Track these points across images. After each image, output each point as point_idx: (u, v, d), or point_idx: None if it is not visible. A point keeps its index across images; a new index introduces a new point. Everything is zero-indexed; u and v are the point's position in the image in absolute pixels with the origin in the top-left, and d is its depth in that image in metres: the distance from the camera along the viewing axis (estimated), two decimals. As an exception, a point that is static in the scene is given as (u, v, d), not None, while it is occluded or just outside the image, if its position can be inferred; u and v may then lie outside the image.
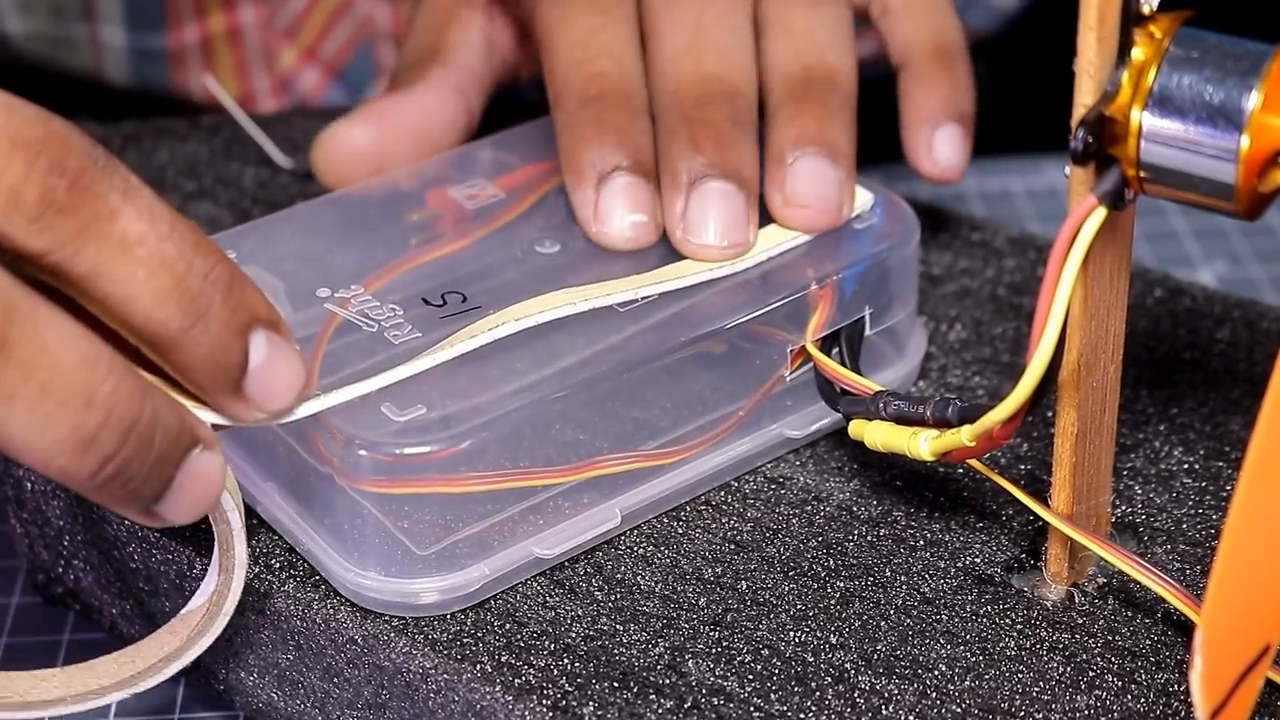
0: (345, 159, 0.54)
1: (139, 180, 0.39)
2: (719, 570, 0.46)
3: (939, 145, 0.53)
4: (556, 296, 0.46)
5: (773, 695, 0.43)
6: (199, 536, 0.47)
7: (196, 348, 0.40)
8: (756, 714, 0.42)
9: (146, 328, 0.39)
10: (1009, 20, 0.81)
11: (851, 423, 0.46)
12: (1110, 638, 0.44)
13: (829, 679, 0.43)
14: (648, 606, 0.45)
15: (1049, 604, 0.45)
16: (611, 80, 0.50)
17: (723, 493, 0.49)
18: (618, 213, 0.49)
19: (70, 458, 0.38)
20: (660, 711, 0.42)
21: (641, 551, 0.47)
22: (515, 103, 0.62)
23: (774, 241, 0.49)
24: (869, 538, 0.47)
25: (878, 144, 0.76)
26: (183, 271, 0.39)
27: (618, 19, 0.51)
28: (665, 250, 0.49)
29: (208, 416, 0.41)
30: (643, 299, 0.47)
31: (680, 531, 0.47)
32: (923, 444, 0.44)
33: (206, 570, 0.47)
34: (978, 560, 0.47)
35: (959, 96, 0.54)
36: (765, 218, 0.50)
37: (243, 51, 0.74)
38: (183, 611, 0.44)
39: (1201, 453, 0.50)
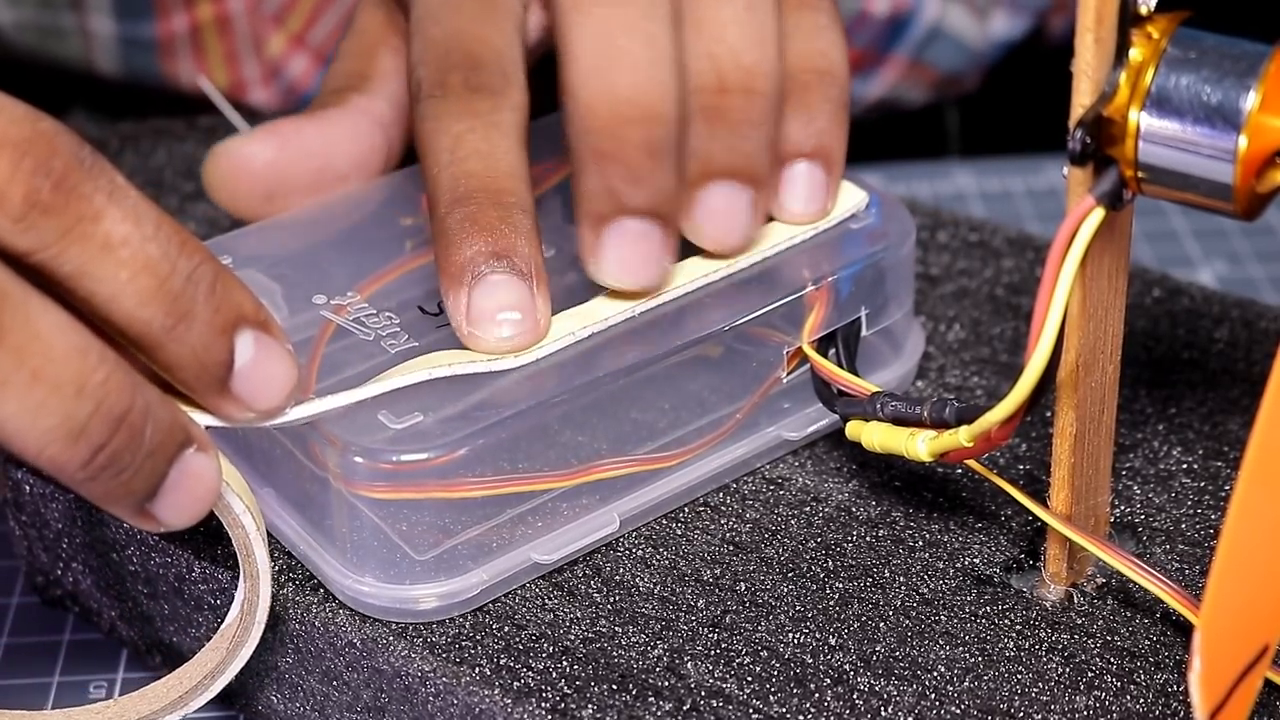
0: (237, 176, 0.52)
1: (125, 181, 0.39)
2: (718, 572, 0.46)
3: (786, 185, 0.49)
4: (559, 325, 0.46)
5: (772, 697, 0.43)
6: (197, 540, 0.47)
7: (180, 346, 0.40)
8: (755, 715, 0.42)
9: (130, 327, 0.39)
10: (981, 64, 0.81)
11: (849, 424, 0.46)
12: (1109, 638, 0.44)
13: (828, 680, 0.43)
14: (646, 608, 0.45)
15: (1048, 604, 0.45)
16: (480, 179, 0.46)
17: (721, 494, 0.49)
18: (489, 313, 0.45)
19: (61, 446, 0.38)
20: (659, 713, 0.42)
21: (640, 553, 0.47)
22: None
23: (770, 242, 0.49)
24: (868, 539, 0.47)
25: (876, 144, 0.76)
26: (166, 272, 0.39)
27: (492, 122, 0.47)
28: None
29: (201, 419, 0.41)
30: (640, 313, 0.47)
31: (679, 533, 0.47)
32: (920, 445, 0.44)
33: (205, 572, 0.47)
34: (976, 561, 0.47)
35: (819, 131, 0.49)
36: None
37: (232, 39, 0.74)
38: (221, 627, 0.45)
39: (1200, 453, 0.50)
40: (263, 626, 0.44)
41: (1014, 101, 0.83)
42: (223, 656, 0.44)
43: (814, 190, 0.49)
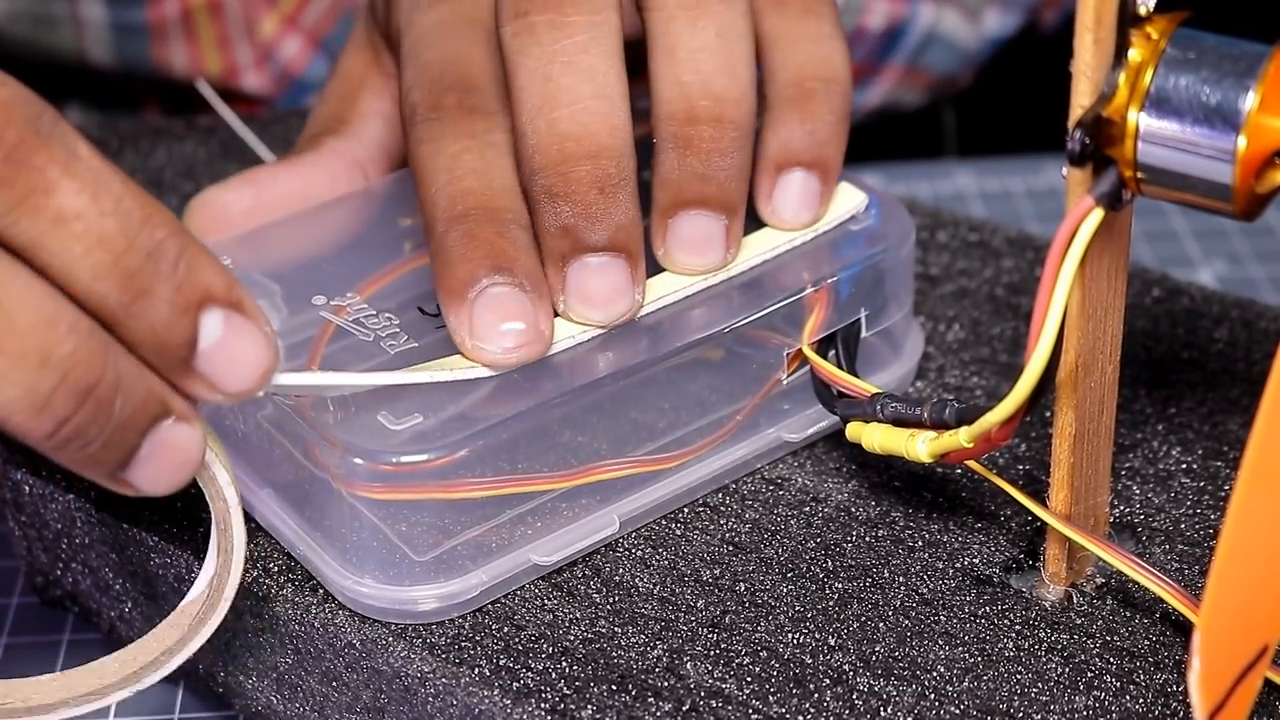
0: (216, 225, 0.52)
1: (90, 150, 0.38)
2: (717, 572, 0.46)
3: (778, 192, 0.49)
4: (558, 327, 0.46)
5: (771, 697, 0.43)
6: (197, 540, 0.47)
7: (138, 323, 0.39)
8: (755, 716, 0.42)
9: (88, 301, 0.38)
10: (976, 64, 0.81)
11: (849, 425, 0.46)
12: (1109, 638, 0.44)
13: (827, 680, 0.43)
14: (646, 609, 0.45)
15: (1047, 604, 0.45)
16: (477, 196, 0.46)
17: (721, 494, 0.49)
18: (492, 326, 0.45)
19: (25, 416, 0.38)
20: (659, 714, 0.42)
21: (639, 553, 0.47)
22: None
23: (768, 245, 0.49)
24: (867, 539, 0.47)
25: (876, 144, 0.76)
26: (122, 248, 0.38)
27: (486, 142, 0.48)
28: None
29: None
30: (640, 315, 0.47)
31: (678, 533, 0.47)
32: (920, 446, 0.44)
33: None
34: (976, 561, 0.47)
35: (813, 137, 0.49)
36: (759, 222, 0.50)
37: (224, 23, 0.74)
38: (182, 604, 0.44)
39: (1200, 452, 0.50)
40: (229, 604, 0.43)
41: (1009, 96, 0.83)
42: (183, 633, 0.44)
43: (807, 199, 0.49)
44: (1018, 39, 0.81)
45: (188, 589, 0.47)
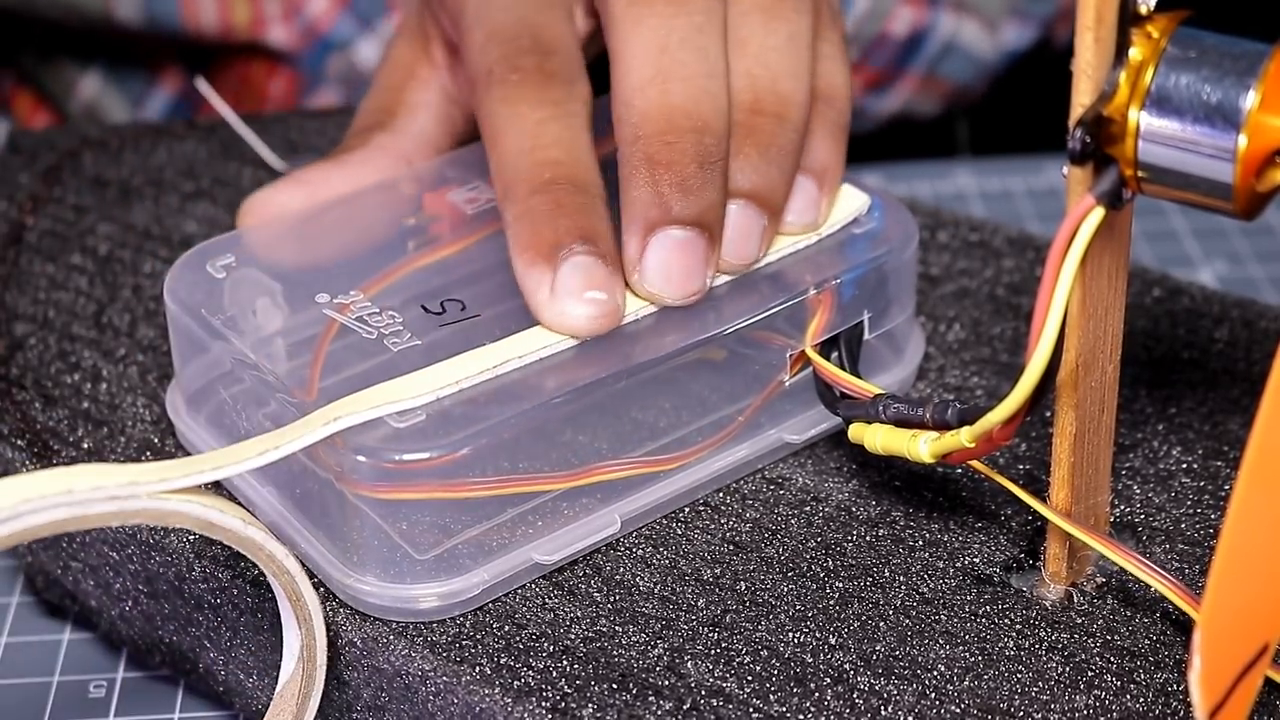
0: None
1: None
2: (718, 571, 0.46)
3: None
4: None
5: (772, 696, 0.43)
6: (197, 540, 0.47)
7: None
8: (756, 715, 0.42)
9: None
10: (990, 74, 0.81)
11: (851, 426, 0.46)
12: (1109, 637, 0.44)
13: (828, 679, 0.43)
14: (647, 608, 0.45)
15: (1048, 604, 0.45)
16: (564, 168, 0.47)
17: (721, 494, 0.49)
18: (576, 291, 0.46)
19: None
20: (659, 713, 0.42)
21: (640, 553, 0.47)
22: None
23: (773, 246, 0.49)
24: (868, 538, 0.47)
25: (878, 145, 0.76)
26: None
27: (569, 111, 0.48)
28: None
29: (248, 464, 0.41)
30: (643, 315, 0.47)
31: (679, 532, 0.47)
32: (922, 446, 0.44)
33: (205, 571, 0.47)
34: (976, 560, 0.47)
35: (820, 151, 0.50)
36: None
37: None
38: (279, 688, 0.45)
39: (1200, 452, 0.50)
40: (325, 670, 0.44)
41: (1022, 108, 0.83)
42: (293, 714, 0.44)
43: (807, 205, 0.50)
44: (1032, 52, 0.82)
45: (188, 588, 0.47)
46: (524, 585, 0.46)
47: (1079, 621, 0.45)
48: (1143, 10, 0.39)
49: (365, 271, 0.49)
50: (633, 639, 0.44)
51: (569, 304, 0.46)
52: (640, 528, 0.47)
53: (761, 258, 0.48)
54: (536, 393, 0.45)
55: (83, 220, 0.59)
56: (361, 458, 0.43)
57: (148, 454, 0.50)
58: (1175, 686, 0.43)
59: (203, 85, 0.63)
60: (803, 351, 0.49)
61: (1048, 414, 0.46)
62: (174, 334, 0.49)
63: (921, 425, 0.44)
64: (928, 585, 0.46)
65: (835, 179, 0.50)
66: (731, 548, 0.47)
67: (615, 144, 0.48)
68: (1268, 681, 0.42)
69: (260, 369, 0.46)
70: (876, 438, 0.45)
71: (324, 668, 0.44)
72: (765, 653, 0.44)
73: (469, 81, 0.50)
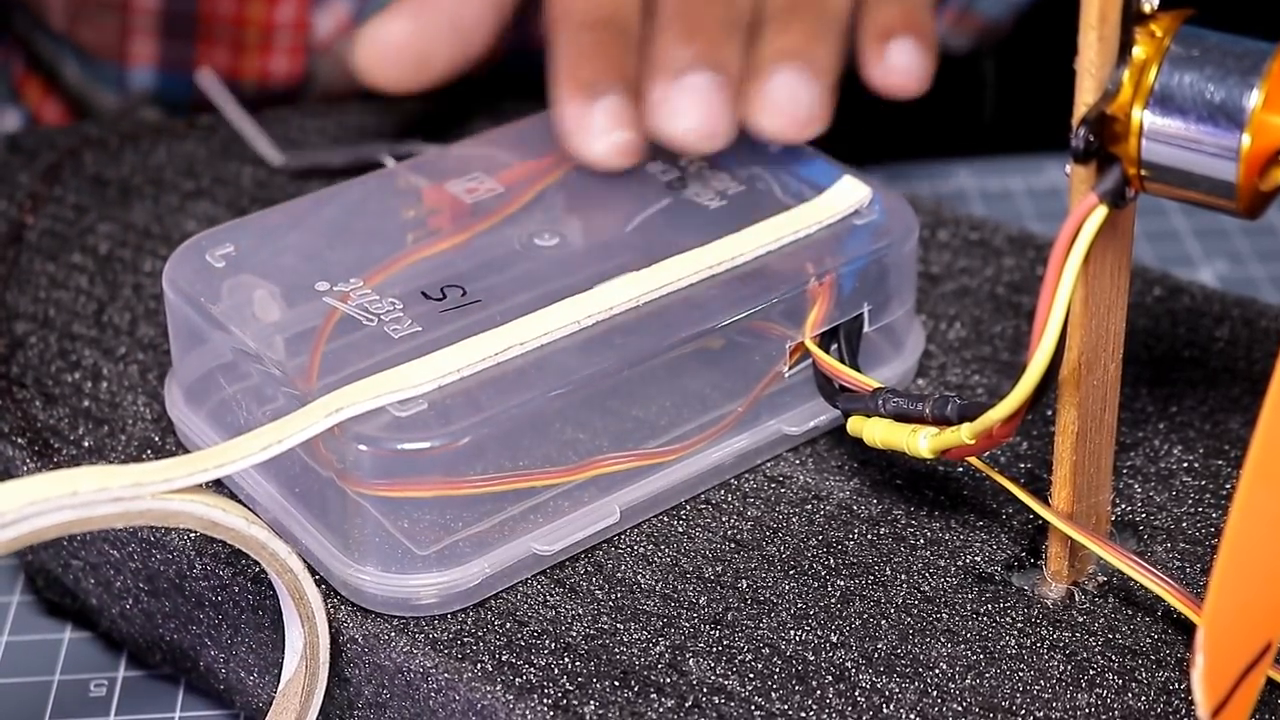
0: (386, 54, 0.55)
1: None
2: (719, 569, 0.46)
3: (891, 53, 0.53)
4: (563, 311, 0.46)
5: (773, 694, 0.43)
6: (198, 537, 0.47)
7: None
8: (757, 712, 0.42)
9: None
10: (1017, 9, 0.81)
11: (850, 419, 0.46)
12: (1111, 636, 0.44)
13: (830, 677, 0.43)
14: (648, 605, 0.45)
15: (1049, 602, 0.45)
16: (610, 8, 0.51)
17: (722, 491, 0.49)
18: (604, 128, 0.50)
19: None
20: (661, 710, 0.42)
21: (642, 550, 0.47)
22: (517, 96, 0.62)
23: (772, 236, 0.49)
24: (869, 536, 0.47)
25: (878, 144, 0.76)
26: None
27: None
28: (665, 242, 0.49)
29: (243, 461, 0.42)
30: (644, 303, 0.47)
31: (680, 530, 0.47)
32: (922, 441, 0.44)
33: (206, 569, 0.47)
34: (978, 559, 0.47)
35: (914, 18, 0.54)
36: (763, 213, 0.50)
37: None
38: (282, 686, 0.45)
39: (1201, 451, 0.50)
40: (328, 668, 0.44)
41: (1015, 101, 0.83)
42: (296, 712, 0.44)
43: (916, 61, 0.53)
44: None
45: (188, 585, 0.47)
46: (525, 583, 0.46)
47: (1080, 620, 0.45)
48: (1146, 9, 0.39)
49: (366, 261, 0.49)
50: (634, 636, 0.44)
51: (598, 139, 0.50)
52: (641, 525, 0.47)
53: (820, 128, 0.51)
54: (539, 381, 0.45)
55: (83, 219, 0.59)
56: (363, 447, 0.43)
57: (148, 452, 0.50)
58: (1177, 685, 0.43)
59: (204, 78, 0.63)
60: (802, 343, 0.49)
61: (1049, 412, 0.46)
62: (172, 324, 0.49)
63: (921, 420, 0.44)
64: (929, 583, 0.46)
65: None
66: (733, 546, 0.47)
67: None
68: (1270, 681, 0.42)
69: (260, 358, 0.46)
70: (875, 431, 0.45)
71: (327, 666, 0.44)
72: (767, 650, 0.44)
73: None
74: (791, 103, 0.51)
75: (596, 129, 0.50)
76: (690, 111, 0.50)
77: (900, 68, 0.53)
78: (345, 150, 0.60)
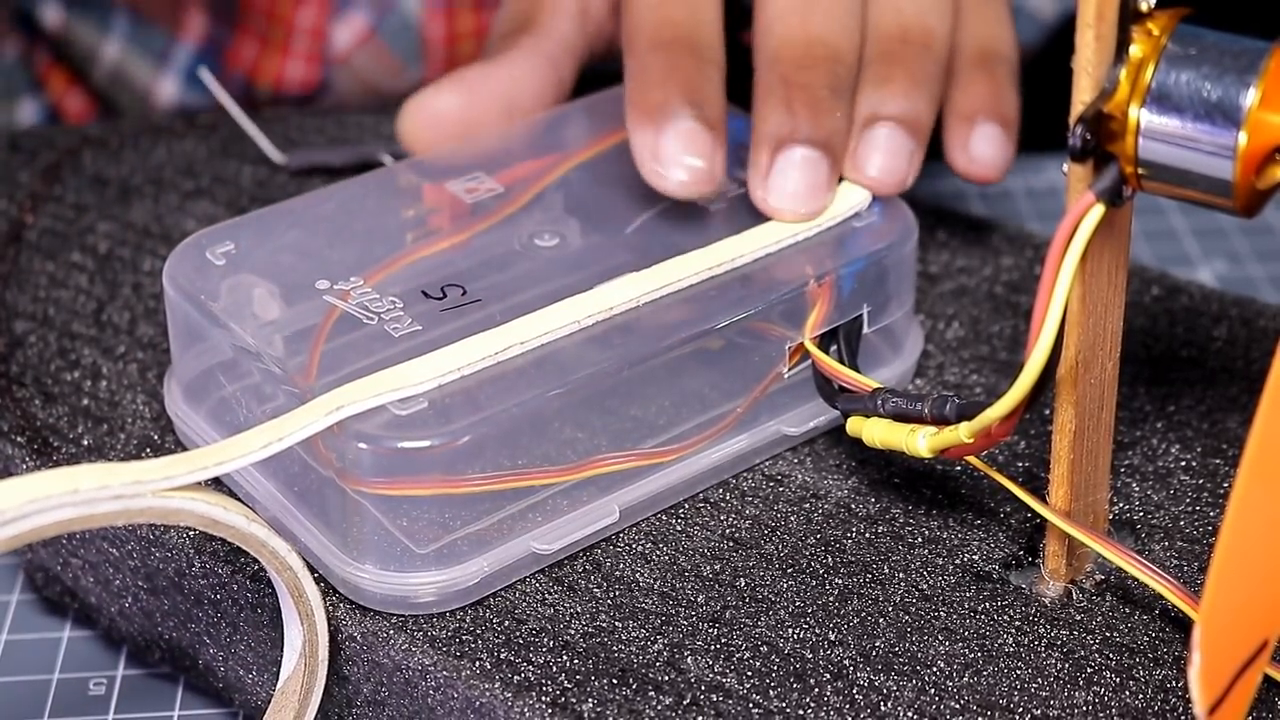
0: (432, 125, 0.54)
1: None
2: (717, 567, 0.46)
3: (975, 142, 0.53)
4: (563, 311, 0.46)
5: (772, 692, 0.43)
6: (197, 535, 0.47)
7: None
8: (755, 710, 0.42)
9: None
10: (1048, 32, 0.81)
11: (849, 420, 0.46)
12: (1108, 634, 0.44)
13: (828, 675, 0.43)
14: (646, 603, 0.45)
15: (1047, 601, 0.45)
16: (683, 28, 0.50)
17: (721, 490, 0.49)
18: (677, 156, 0.49)
19: None
20: (659, 708, 0.42)
21: (640, 548, 0.47)
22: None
23: (772, 238, 0.49)
24: (867, 535, 0.47)
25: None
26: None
27: None
28: (666, 243, 0.49)
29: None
30: (644, 303, 0.47)
31: (679, 529, 0.47)
32: (920, 441, 0.44)
33: (205, 567, 0.47)
34: (976, 557, 0.47)
35: (1000, 100, 0.54)
36: (763, 216, 0.50)
37: None
38: (280, 684, 0.44)
39: (1199, 450, 0.50)
40: (326, 666, 0.44)
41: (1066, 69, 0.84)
42: (295, 711, 0.44)
43: (999, 149, 0.53)
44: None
45: (188, 584, 0.47)
46: (524, 581, 0.46)
47: (1078, 618, 0.45)
48: (1143, 7, 0.39)
49: (366, 260, 0.49)
50: (633, 634, 0.44)
51: (668, 166, 0.49)
52: (639, 524, 0.47)
53: (911, 183, 0.51)
54: (539, 381, 0.45)
55: (83, 218, 0.59)
56: (363, 445, 0.43)
57: (148, 450, 0.50)
58: (1174, 683, 0.43)
59: (206, 76, 0.63)
60: (801, 344, 0.49)
61: (1047, 411, 0.46)
62: (172, 322, 0.49)
63: (920, 420, 0.44)
64: (927, 582, 0.46)
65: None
66: (731, 544, 0.47)
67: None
68: (1266, 678, 0.42)
69: (260, 356, 0.46)
70: (875, 431, 0.45)
71: (325, 664, 0.44)
72: (765, 648, 0.44)
73: None
74: (891, 169, 0.50)
75: (667, 157, 0.49)
76: (793, 189, 0.49)
77: (984, 160, 0.53)
78: (346, 150, 0.60)
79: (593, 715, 0.42)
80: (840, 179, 0.51)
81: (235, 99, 0.61)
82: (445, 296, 0.47)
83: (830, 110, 0.50)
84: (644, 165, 0.49)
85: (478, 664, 0.43)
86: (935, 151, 0.54)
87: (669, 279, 0.47)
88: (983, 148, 0.53)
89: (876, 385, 0.46)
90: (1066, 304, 0.39)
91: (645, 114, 0.49)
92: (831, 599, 0.45)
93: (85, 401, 0.51)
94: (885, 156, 0.50)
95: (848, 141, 0.50)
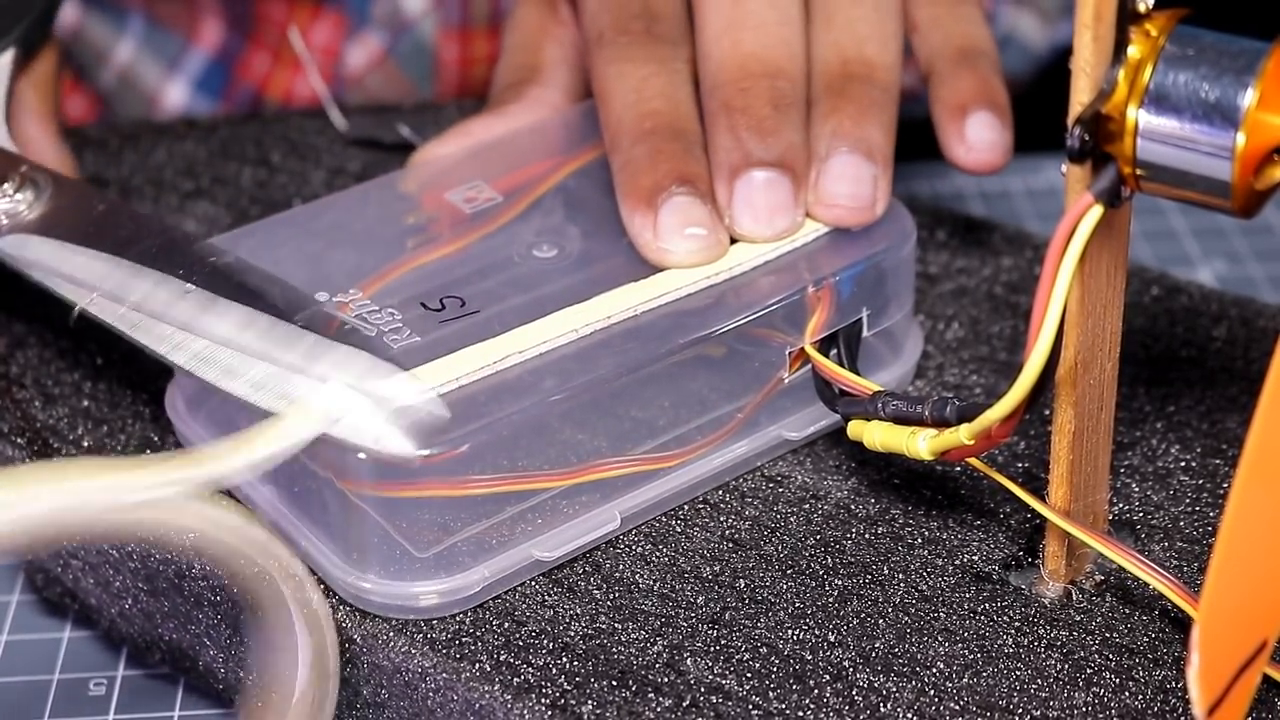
0: None
1: None
2: (717, 568, 0.46)
3: (971, 129, 0.53)
4: (561, 320, 0.46)
5: (771, 693, 0.43)
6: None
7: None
8: (755, 712, 0.42)
9: None
10: (1040, 66, 0.81)
11: (850, 423, 0.46)
12: (1108, 635, 0.44)
13: (827, 677, 0.43)
14: (646, 605, 0.45)
15: (1046, 601, 0.45)
16: (665, 117, 0.50)
17: (721, 491, 0.49)
18: (677, 229, 0.48)
19: None
20: (659, 709, 0.42)
21: (640, 550, 0.47)
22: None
23: (769, 244, 0.49)
24: (867, 536, 0.47)
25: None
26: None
27: (672, 69, 0.51)
28: None
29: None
30: (642, 311, 0.47)
31: (678, 530, 0.47)
32: (921, 443, 0.44)
33: (205, 568, 0.47)
34: (975, 558, 0.47)
35: (988, 88, 0.54)
36: None
37: None
38: (294, 700, 0.44)
39: (1198, 450, 0.50)
40: (338, 678, 0.44)
41: (1015, 100, 0.84)
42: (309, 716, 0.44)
43: (995, 134, 0.53)
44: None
45: (188, 585, 0.47)
46: (524, 583, 0.46)
47: (1077, 619, 0.45)
48: (1141, 8, 0.39)
49: (364, 270, 0.49)
50: (632, 636, 0.44)
51: (671, 241, 0.48)
52: (639, 525, 0.47)
53: (882, 210, 0.50)
54: (537, 389, 0.45)
55: (83, 219, 0.59)
56: (362, 454, 0.43)
57: (148, 452, 0.50)
58: (1174, 683, 0.43)
59: (294, 36, 0.64)
60: (802, 349, 0.49)
61: (1046, 412, 0.46)
62: None
63: (920, 422, 0.44)
64: (927, 583, 0.46)
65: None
66: (731, 545, 0.47)
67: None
68: (1266, 678, 0.42)
69: None
70: (875, 434, 0.45)
71: (337, 677, 0.44)
72: (764, 650, 0.44)
73: (584, 43, 0.54)
74: (854, 195, 0.50)
75: (665, 230, 0.48)
76: (756, 212, 0.49)
77: (983, 145, 0.53)
78: (399, 132, 0.62)
79: (592, 717, 0.42)
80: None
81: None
82: (444, 308, 0.47)
83: (776, 128, 0.49)
84: (646, 246, 0.49)
85: (477, 666, 0.43)
86: (935, 151, 0.54)
87: (667, 288, 0.47)
88: (979, 133, 0.53)
89: (877, 388, 0.46)
90: (1065, 304, 0.39)
91: (639, 199, 0.49)
92: (831, 600, 0.45)
93: (85, 402, 0.51)
94: (846, 184, 0.50)
95: (804, 154, 0.50)
